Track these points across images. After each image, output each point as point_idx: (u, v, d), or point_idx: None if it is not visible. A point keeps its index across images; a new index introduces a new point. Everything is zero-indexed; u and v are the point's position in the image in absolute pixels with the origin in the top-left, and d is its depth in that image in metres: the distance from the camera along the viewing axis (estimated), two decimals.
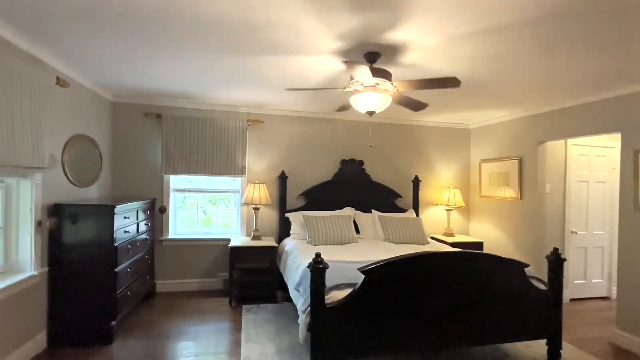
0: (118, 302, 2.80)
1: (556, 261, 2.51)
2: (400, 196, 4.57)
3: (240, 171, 4.08)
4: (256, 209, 3.95)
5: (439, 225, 4.81)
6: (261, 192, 3.88)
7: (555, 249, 2.56)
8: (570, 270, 4.09)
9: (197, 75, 2.95)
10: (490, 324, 2.35)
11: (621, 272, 3.00)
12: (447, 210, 4.60)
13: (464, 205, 4.62)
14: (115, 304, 2.77)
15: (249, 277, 3.75)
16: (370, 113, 2.35)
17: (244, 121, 4.09)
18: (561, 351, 2.49)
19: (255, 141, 4.24)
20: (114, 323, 2.75)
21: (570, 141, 4.10)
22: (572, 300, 4.11)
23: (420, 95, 3.27)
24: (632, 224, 2.92)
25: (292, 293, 2.79)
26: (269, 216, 4.27)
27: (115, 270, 2.77)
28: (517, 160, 4.11)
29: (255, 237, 3.89)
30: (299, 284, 2.56)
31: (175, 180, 4.13)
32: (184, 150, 3.93)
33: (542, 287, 2.54)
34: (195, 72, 2.87)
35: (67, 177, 2.91)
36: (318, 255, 2.04)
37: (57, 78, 2.56)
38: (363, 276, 2.12)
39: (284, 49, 2.32)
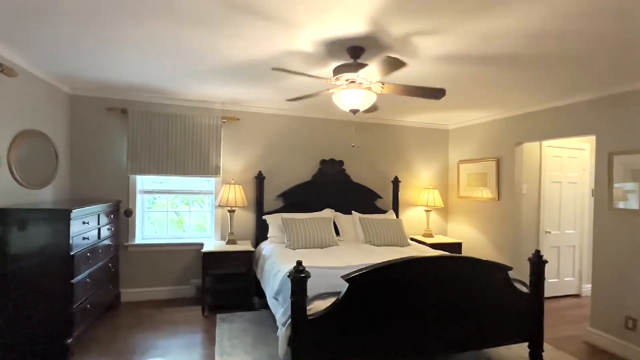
0: (75, 316, 2.52)
1: (538, 263, 2.50)
2: (381, 197, 4.50)
3: (214, 171, 3.85)
4: (231, 211, 3.74)
5: (418, 226, 4.79)
6: (237, 194, 3.68)
7: (537, 251, 2.55)
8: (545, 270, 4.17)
9: (158, 63, 2.69)
10: (476, 329, 2.30)
11: (596, 271, 3.06)
12: (427, 210, 4.58)
13: (443, 206, 4.62)
14: (71, 319, 2.49)
15: (223, 283, 3.53)
16: (355, 111, 2.23)
17: (219, 118, 3.86)
18: (542, 353, 2.49)
19: (230, 140, 4.02)
20: (70, 340, 2.47)
21: (545, 143, 4.18)
22: (546, 298, 4.20)
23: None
24: (606, 224, 2.98)
25: (271, 302, 2.63)
26: (245, 219, 4.06)
27: (72, 281, 2.49)
28: (494, 161, 4.14)
29: (230, 241, 3.68)
30: (277, 293, 2.40)
31: (143, 181, 3.83)
32: (152, 149, 3.65)
33: (524, 289, 2.52)
34: (156, 60, 2.61)
35: (15, 178, 2.59)
36: (299, 263, 1.90)
37: (1, 65, 2.25)
38: (346, 284, 2.00)
39: (262, 33, 2.15)
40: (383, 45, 2.16)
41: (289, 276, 1.89)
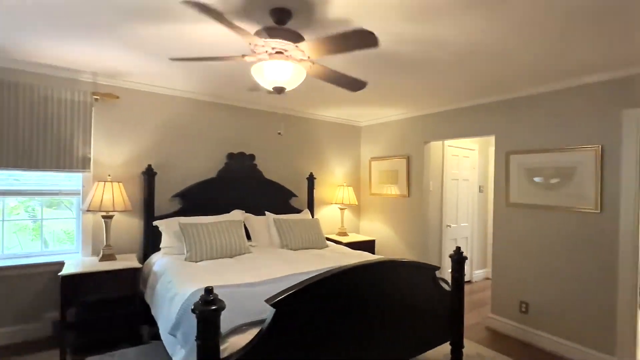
0: None
1: (459, 260, 2.50)
2: (295, 195, 4.15)
3: (80, 164, 2.89)
4: (108, 217, 2.85)
5: (332, 225, 4.61)
6: (115, 194, 2.82)
7: (458, 248, 2.55)
8: (445, 261, 4.47)
9: None
10: (414, 336, 2.13)
11: (495, 261, 3.31)
12: (341, 209, 4.44)
13: (357, 203, 4.54)
14: None
15: (97, 313, 2.66)
16: (279, 90, 1.79)
17: (88, 94, 2.90)
18: (463, 349, 2.50)
19: (107, 124, 3.09)
20: None
21: (446, 142, 4.47)
22: None
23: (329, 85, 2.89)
24: (504, 217, 3.24)
25: (165, 338, 1.99)
26: (129, 226, 3.19)
27: None
28: (405, 159, 4.22)
29: (106, 257, 2.80)
30: (175, 327, 1.80)
31: None
32: None
33: (446, 287, 2.49)
34: None
35: None
36: (209, 291, 1.37)
37: None
38: (271, 308, 1.56)
39: None
40: (315, 17, 1.78)
41: (193, 311, 1.34)
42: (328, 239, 4.14)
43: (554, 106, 2.90)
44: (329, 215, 4.59)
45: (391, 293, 2.05)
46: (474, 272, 4.87)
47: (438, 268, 2.36)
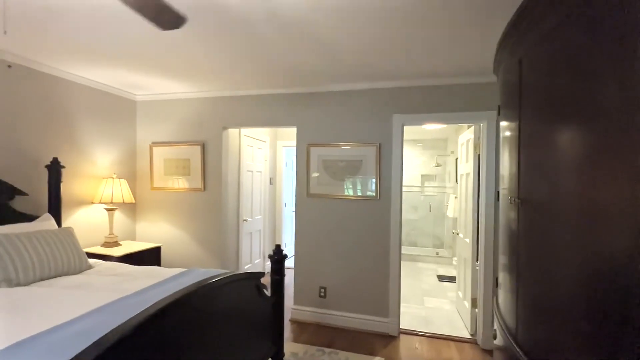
0: None
1: (280, 260, 2.24)
2: (24, 193, 2.62)
3: None
4: None
5: (95, 233, 3.30)
6: None
7: (277, 246, 2.29)
8: (242, 257, 4.20)
9: None
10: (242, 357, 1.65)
11: (298, 253, 3.33)
12: (109, 209, 3.23)
13: (134, 201, 3.45)
14: None
15: None
16: None
17: None
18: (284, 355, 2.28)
19: None
20: None
21: (243, 131, 4.17)
22: None
23: None
24: (305, 209, 3.30)
25: None
26: None
27: None
28: (199, 146, 3.58)
29: None
30: None
31: None
32: None
33: (266, 293, 2.18)
34: None
35: None
36: None
37: None
38: None
39: None
40: None
41: None
42: (90, 255, 2.90)
43: (347, 104, 3.19)
44: (89, 221, 3.25)
45: (215, 320, 1.50)
46: (266, 263, 4.89)
47: (262, 274, 2.01)
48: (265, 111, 3.41)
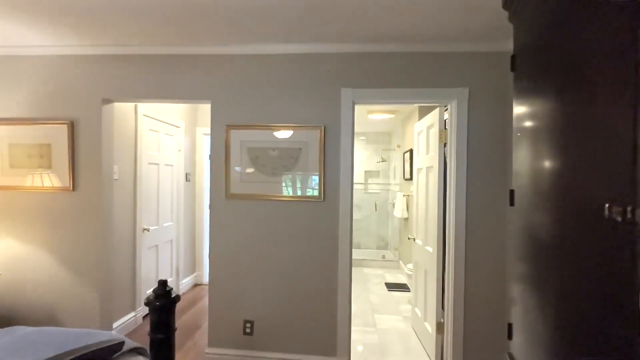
0: None
1: (166, 307, 1.35)
2: None
3: None
4: None
5: None
6: None
7: (162, 283, 1.39)
8: (142, 283, 3.13)
9: None
10: None
11: (213, 277, 2.42)
12: None
13: None
14: None
15: None
16: None
17: None
18: None
19: None
20: None
21: (142, 110, 3.10)
22: (145, 317, 3.18)
23: None
24: (224, 215, 2.41)
25: None
26: None
27: None
28: (66, 126, 2.46)
29: None
30: None
31: None
32: None
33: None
34: None
35: None
36: None
37: None
38: None
39: None
40: None
41: None
42: None
43: (280, 72, 2.36)
44: None
45: None
46: (181, 282, 3.85)
47: (122, 343, 1.10)
48: (166, 79, 2.43)
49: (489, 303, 2.23)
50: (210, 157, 2.43)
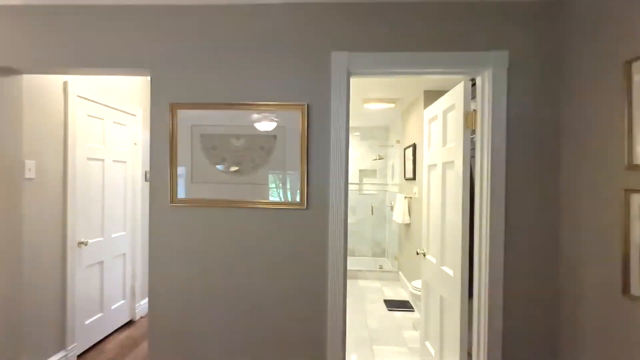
0: None
1: None
2: None
3: None
4: None
5: None
6: None
7: None
8: (77, 307, 2.44)
9: None
10: None
11: (154, 309, 1.75)
12: None
13: None
14: None
15: None
16: None
17: None
18: None
19: None
20: None
21: (74, 90, 2.39)
22: (81, 356, 2.49)
23: None
24: (168, 227, 1.73)
25: None
26: None
27: None
28: None
29: None
30: None
31: None
32: None
33: None
34: None
35: None
36: None
37: None
38: None
39: None
40: None
41: None
42: None
43: (244, 29, 1.70)
44: None
45: None
46: (138, 303, 3.16)
47: None
48: (87, 41, 1.74)
49: (536, 353, 1.61)
50: (150, 147, 1.75)
